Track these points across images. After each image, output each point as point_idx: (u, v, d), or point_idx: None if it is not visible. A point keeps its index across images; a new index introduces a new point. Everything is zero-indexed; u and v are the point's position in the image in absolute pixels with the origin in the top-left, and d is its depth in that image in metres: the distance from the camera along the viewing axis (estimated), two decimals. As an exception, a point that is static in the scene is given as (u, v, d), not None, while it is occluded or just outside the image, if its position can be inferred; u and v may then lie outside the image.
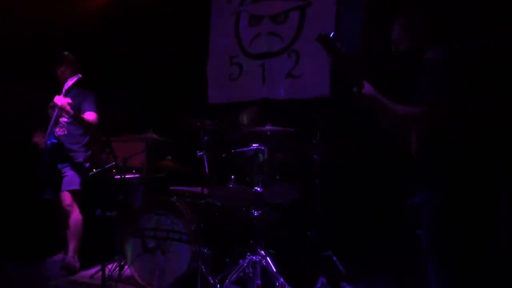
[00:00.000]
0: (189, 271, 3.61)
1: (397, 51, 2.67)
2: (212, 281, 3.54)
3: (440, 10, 2.97)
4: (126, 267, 4.01)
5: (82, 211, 4.42)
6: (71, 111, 4.22)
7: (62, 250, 4.52)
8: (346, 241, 4.12)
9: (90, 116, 4.44)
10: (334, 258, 3.89)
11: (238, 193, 3.84)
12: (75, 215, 4.36)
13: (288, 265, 3.62)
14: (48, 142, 4.30)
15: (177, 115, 3.92)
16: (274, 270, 3.46)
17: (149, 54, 5.62)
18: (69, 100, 4.22)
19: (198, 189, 4.01)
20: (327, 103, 4.50)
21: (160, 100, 5.54)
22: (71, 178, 4.37)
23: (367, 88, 2.37)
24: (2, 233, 4.80)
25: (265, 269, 3.47)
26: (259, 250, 3.55)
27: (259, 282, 3.42)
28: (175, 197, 3.99)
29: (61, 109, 4.17)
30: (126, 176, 4.33)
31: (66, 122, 4.41)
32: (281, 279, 3.41)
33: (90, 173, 4.34)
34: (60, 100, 4.15)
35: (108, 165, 4.13)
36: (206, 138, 3.98)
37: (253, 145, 3.86)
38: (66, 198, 4.34)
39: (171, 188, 4.39)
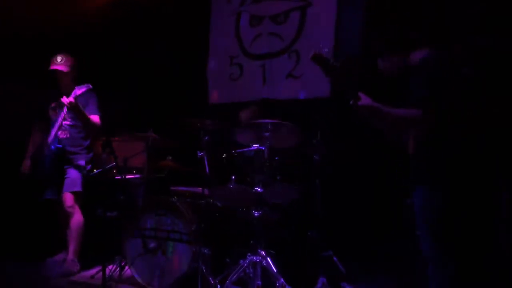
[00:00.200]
0: (189, 271, 3.61)
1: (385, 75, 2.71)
2: (212, 282, 3.54)
3: (440, 10, 2.98)
4: (126, 267, 3.99)
5: (83, 211, 4.42)
6: (81, 109, 4.20)
7: (62, 250, 4.51)
8: (346, 241, 4.12)
9: (94, 119, 4.41)
10: (335, 258, 3.90)
11: (239, 193, 3.84)
12: (77, 217, 4.35)
13: (288, 265, 3.63)
14: (53, 147, 4.28)
15: (178, 115, 3.92)
16: (275, 270, 3.46)
17: (149, 54, 5.62)
18: (72, 99, 4.16)
19: (199, 189, 4.02)
20: (327, 103, 4.51)
21: (160, 100, 5.54)
22: (73, 180, 4.36)
23: (364, 99, 2.39)
24: (3, 233, 4.80)
25: (266, 269, 3.47)
26: (259, 250, 3.55)
27: (259, 282, 3.42)
28: (175, 197, 3.99)
29: (72, 107, 4.12)
30: (127, 176, 4.34)
31: (68, 124, 4.40)
32: (282, 280, 3.41)
33: (91, 174, 4.34)
34: (67, 99, 4.10)
35: (109, 166, 4.13)
36: (206, 138, 3.98)
37: (254, 145, 3.86)
38: (68, 199, 4.33)
39: (172, 188, 4.39)
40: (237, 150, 4.02)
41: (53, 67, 4.35)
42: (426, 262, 2.42)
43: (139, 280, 3.84)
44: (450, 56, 2.59)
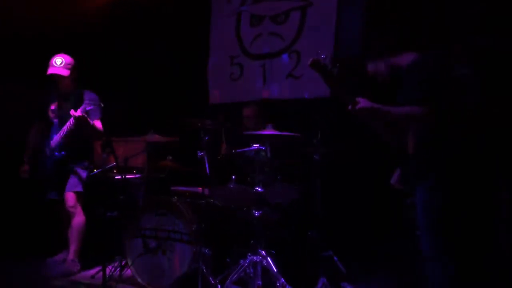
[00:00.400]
0: (190, 271, 3.61)
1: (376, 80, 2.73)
2: (213, 281, 3.55)
3: (440, 10, 2.98)
4: (127, 267, 4.00)
5: (84, 211, 4.42)
6: (91, 122, 4.17)
7: (63, 250, 4.51)
8: (346, 241, 4.12)
9: (98, 124, 4.36)
10: (335, 258, 3.90)
11: (239, 193, 3.84)
12: (78, 217, 4.34)
13: (289, 265, 3.63)
14: (57, 153, 4.28)
15: (178, 115, 3.92)
16: (275, 270, 3.46)
17: (149, 54, 5.62)
18: (84, 114, 4.07)
19: (199, 189, 4.02)
20: (328, 103, 4.50)
21: (160, 100, 5.54)
22: (75, 180, 4.35)
23: (362, 102, 2.40)
24: (3, 233, 4.80)
25: (266, 269, 3.48)
26: (259, 250, 3.55)
27: (260, 282, 3.43)
28: (175, 197, 3.99)
29: (81, 121, 4.06)
30: (127, 176, 4.34)
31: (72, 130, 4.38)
32: (282, 279, 3.41)
33: (91, 173, 4.34)
34: (77, 113, 4.02)
35: (109, 166, 4.14)
36: (206, 138, 3.98)
37: (254, 145, 3.87)
38: (70, 199, 4.32)
39: (172, 188, 4.39)
40: (237, 150, 4.02)
41: (53, 71, 4.22)
42: (425, 262, 2.42)
43: (140, 280, 3.84)
44: (441, 57, 2.59)
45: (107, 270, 3.81)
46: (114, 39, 5.62)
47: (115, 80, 5.38)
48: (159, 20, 5.61)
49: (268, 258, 3.52)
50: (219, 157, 4.13)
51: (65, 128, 4.17)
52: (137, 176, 4.48)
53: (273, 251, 3.64)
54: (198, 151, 3.98)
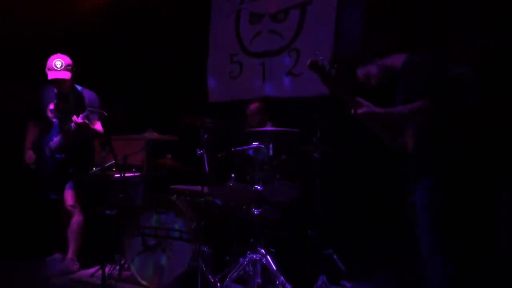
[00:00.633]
0: (189, 270, 3.61)
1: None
2: (212, 280, 3.54)
3: (440, 10, 2.98)
4: (126, 265, 4.00)
5: (83, 210, 4.42)
6: (91, 128, 4.16)
7: (63, 249, 4.51)
8: (346, 240, 4.12)
9: (98, 127, 4.36)
10: (335, 257, 3.91)
11: (238, 191, 3.85)
12: (77, 216, 4.33)
13: (288, 264, 3.64)
14: (57, 156, 4.28)
15: (177, 114, 3.92)
16: (274, 268, 3.46)
17: (149, 53, 5.63)
18: (86, 120, 4.04)
19: (198, 187, 4.02)
20: (327, 101, 4.50)
21: (160, 99, 5.55)
22: (75, 180, 4.35)
23: (363, 105, 2.41)
24: (2, 233, 4.80)
25: (266, 267, 3.48)
26: (259, 248, 3.56)
27: (259, 280, 3.43)
28: (175, 195, 3.99)
29: (82, 127, 4.04)
30: (126, 175, 4.34)
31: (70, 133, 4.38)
32: (282, 278, 3.42)
33: (90, 172, 4.34)
34: (79, 119, 3.99)
35: (108, 164, 4.13)
36: (206, 136, 3.98)
37: (253, 143, 3.87)
38: (70, 198, 4.32)
39: (171, 186, 4.39)
40: (237, 148, 4.03)
41: (56, 75, 4.16)
42: (425, 262, 2.43)
43: (139, 278, 3.84)
44: (439, 57, 2.60)
45: (107, 269, 3.80)
46: (114, 39, 5.62)
47: (115, 79, 5.38)
48: (159, 20, 5.61)
49: (268, 257, 3.52)
50: (218, 155, 4.13)
51: (65, 131, 4.17)
52: (136, 174, 4.47)
53: (272, 250, 3.64)
54: (198, 149, 3.98)
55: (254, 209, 3.68)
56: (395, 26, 3.06)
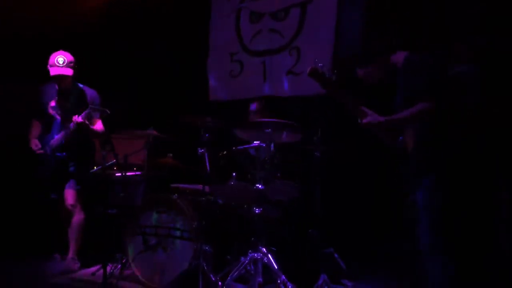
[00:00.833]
0: (190, 269, 3.60)
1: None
2: (213, 279, 3.54)
3: (440, 10, 2.99)
4: (127, 264, 4.00)
5: (83, 208, 4.43)
6: (91, 129, 4.20)
7: (62, 249, 4.52)
8: (347, 238, 4.13)
9: (99, 125, 4.40)
10: (336, 255, 3.91)
11: (239, 190, 3.85)
12: (78, 215, 4.34)
13: (289, 263, 3.64)
14: (58, 154, 4.28)
15: (178, 113, 3.93)
16: (276, 267, 3.45)
17: (149, 53, 5.63)
18: (86, 120, 4.10)
19: (199, 186, 4.03)
20: (328, 101, 4.50)
21: (160, 99, 5.54)
22: (75, 179, 4.36)
23: (368, 115, 2.43)
24: (3, 232, 4.81)
25: (267, 266, 3.47)
26: (260, 247, 3.54)
27: (260, 279, 3.41)
28: (176, 194, 3.98)
29: (81, 127, 4.09)
30: (127, 174, 4.35)
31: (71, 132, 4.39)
32: (283, 276, 3.41)
33: (91, 171, 4.35)
34: (78, 118, 4.05)
35: (109, 163, 4.14)
36: (207, 135, 3.99)
37: (254, 142, 3.87)
38: (70, 197, 4.33)
39: (172, 185, 4.39)
40: (238, 147, 4.03)
41: (58, 72, 4.20)
42: (425, 262, 2.44)
43: (140, 277, 3.84)
44: (439, 56, 2.61)
45: (108, 268, 3.82)
46: (114, 39, 5.62)
47: (115, 79, 5.38)
48: (159, 20, 5.61)
49: (269, 255, 3.51)
50: (219, 154, 4.13)
51: (66, 130, 4.19)
52: (137, 173, 4.47)
53: (273, 248, 3.63)
54: (199, 148, 3.99)
55: (255, 208, 3.66)
56: (395, 26, 3.07)
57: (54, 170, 4.31)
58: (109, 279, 3.69)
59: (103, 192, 4.41)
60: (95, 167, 4.37)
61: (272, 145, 3.82)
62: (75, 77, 4.39)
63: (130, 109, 5.45)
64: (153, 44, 5.63)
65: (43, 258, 4.50)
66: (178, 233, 3.76)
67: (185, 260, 3.66)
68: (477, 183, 2.39)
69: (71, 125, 4.10)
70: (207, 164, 4.01)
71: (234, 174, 3.84)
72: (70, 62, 4.26)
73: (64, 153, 4.30)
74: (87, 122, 4.08)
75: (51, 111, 4.38)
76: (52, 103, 4.39)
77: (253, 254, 3.52)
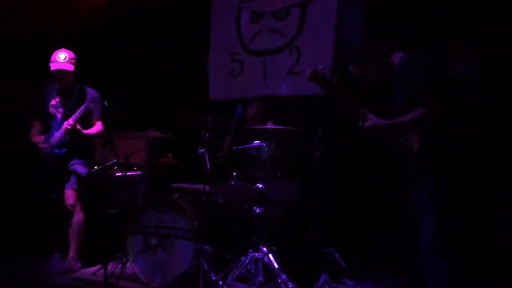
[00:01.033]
0: (191, 268, 3.62)
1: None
2: (214, 278, 3.55)
3: (440, 10, 2.99)
4: (128, 264, 4.00)
5: (84, 208, 4.43)
6: (83, 134, 4.22)
7: (63, 248, 4.53)
8: (347, 238, 4.13)
9: (98, 127, 4.41)
10: (336, 255, 3.91)
11: (240, 190, 3.86)
12: (78, 215, 4.36)
13: (290, 262, 3.64)
14: (57, 150, 4.29)
15: (178, 113, 3.94)
16: (276, 266, 3.47)
17: (149, 53, 5.63)
18: (79, 127, 4.16)
19: (200, 186, 4.04)
20: (328, 101, 4.49)
21: (161, 98, 5.55)
22: (76, 178, 4.36)
23: (370, 119, 2.44)
24: (3, 232, 4.82)
25: (267, 265, 3.49)
26: (261, 247, 3.56)
27: (261, 278, 3.44)
28: (176, 194, 3.99)
29: (73, 131, 4.14)
30: (128, 174, 4.36)
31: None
32: (284, 276, 3.42)
33: (92, 171, 4.35)
34: (69, 124, 4.10)
35: (110, 163, 4.15)
36: (207, 135, 4.00)
37: (255, 142, 3.88)
38: (70, 197, 4.33)
39: (173, 185, 4.38)
40: (238, 147, 4.03)
41: (59, 66, 4.26)
42: (425, 261, 2.45)
43: (141, 277, 3.84)
44: (438, 56, 2.62)
45: (109, 267, 3.83)
46: (114, 38, 5.62)
47: (116, 79, 5.38)
48: (159, 20, 5.61)
49: (270, 255, 3.52)
50: (220, 154, 4.14)
51: (63, 126, 4.20)
52: (137, 173, 4.47)
53: (274, 248, 3.64)
54: (199, 148, 4.00)
55: (256, 208, 3.69)
56: (395, 26, 3.07)
57: (54, 169, 4.31)
58: (110, 279, 3.69)
59: (104, 192, 4.41)
60: (95, 167, 4.37)
61: (273, 144, 3.83)
62: (77, 76, 4.41)
63: (130, 109, 5.46)
64: (153, 44, 5.63)
65: (43, 258, 4.50)
66: (178, 232, 3.75)
67: (185, 260, 3.66)
68: (477, 183, 2.39)
69: (62, 129, 4.16)
70: (208, 163, 4.02)
71: (234, 173, 3.84)
72: (72, 59, 4.32)
73: (64, 150, 4.30)
74: (78, 127, 4.12)
75: (51, 110, 4.40)
76: (53, 102, 4.41)
77: (253, 253, 3.55)
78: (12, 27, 4.89)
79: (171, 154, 4.43)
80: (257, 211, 3.68)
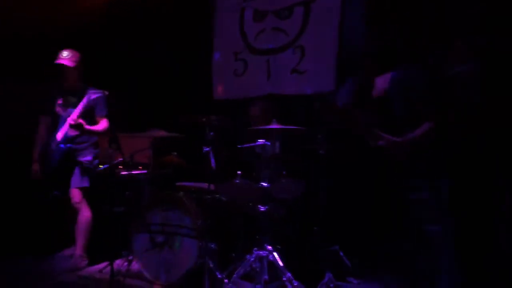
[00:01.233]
0: (196, 266, 3.66)
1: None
2: (219, 276, 3.59)
3: (440, 10, 3.00)
4: (134, 262, 4.06)
5: (90, 206, 4.48)
6: (86, 129, 4.28)
7: (70, 246, 4.59)
8: (351, 237, 4.15)
9: (103, 124, 4.47)
10: (341, 253, 3.93)
11: (245, 188, 3.85)
12: (84, 212, 4.41)
13: (294, 260, 3.67)
14: (62, 145, 4.33)
15: (183, 112, 3.96)
16: (281, 264, 3.50)
17: (150, 53, 5.63)
18: (82, 121, 4.22)
19: (205, 184, 4.07)
20: (331, 99, 4.48)
21: (165, 98, 5.55)
22: (80, 176, 4.42)
23: (382, 137, 2.48)
24: (10, 230, 4.86)
25: (272, 264, 3.51)
26: (265, 245, 3.58)
27: (266, 276, 3.46)
28: (181, 192, 4.03)
29: (76, 127, 4.21)
30: (133, 172, 4.39)
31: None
32: (288, 274, 3.45)
33: (98, 169, 4.39)
34: (73, 119, 4.17)
35: (116, 161, 4.19)
36: (212, 134, 4.03)
37: (259, 140, 3.90)
38: (76, 195, 4.39)
39: (177, 184, 4.40)
40: (243, 145, 4.04)
41: (59, 61, 4.38)
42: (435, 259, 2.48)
43: (147, 274, 3.88)
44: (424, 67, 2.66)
45: (115, 265, 3.87)
46: (114, 38, 5.62)
47: (118, 79, 5.37)
48: (159, 20, 5.60)
49: (274, 253, 3.55)
50: (224, 153, 4.16)
51: (66, 126, 4.27)
52: (142, 172, 4.49)
53: (279, 246, 3.66)
54: (204, 147, 4.03)
55: (260, 206, 3.70)
56: (395, 26, 3.07)
57: (59, 163, 4.37)
58: (116, 276, 3.74)
59: (110, 190, 4.45)
60: (101, 166, 4.41)
61: (277, 143, 3.85)
62: (81, 77, 4.49)
63: (134, 108, 5.48)
64: (154, 44, 5.62)
65: (49, 256, 4.57)
66: (183, 231, 3.78)
67: (191, 258, 3.70)
68: (477, 183, 2.43)
69: (66, 125, 4.23)
70: (212, 162, 4.04)
71: (239, 172, 3.87)
72: (74, 57, 4.44)
73: (69, 145, 4.36)
74: (80, 121, 4.18)
75: (57, 109, 4.46)
76: (60, 101, 4.46)
77: (258, 251, 3.57)
78: (12, 27, 4.87)
79: (175, 153, 4.47)
80: (261, 209, 3.69)
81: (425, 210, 2.52)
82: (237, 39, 5.36)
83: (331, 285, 3.60)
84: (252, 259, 3.57)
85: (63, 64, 4.37)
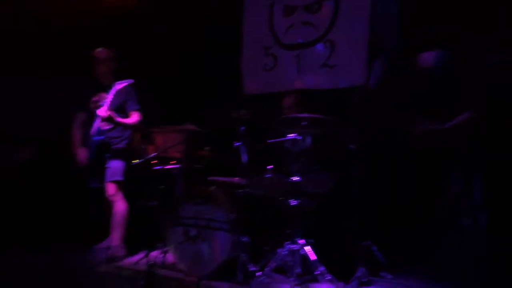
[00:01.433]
0: (229, 259, 3.71)
1: None
2: (252, 269, 3.63)
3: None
4: (168, 254, 4.13)
5: (125, 199, 4.57)
6: (118, 121, 4.42)
7: (108, 237, 4.69)
8: (385, 231, 4.09)
9: (134, 117, 4.58)
10: (374, 248, 3.89)
11: (276, 183, 3.86)
12: (120, 205, 4.52)
13: (327, 254, 3.65)
14: (95, 138, 4.45)
15: (215, 107, 4.00)
16: (314, 258, 3.50)
17: (183, 50, 5.67)
18: (113, 113, 4.36)
19: (236, 179, 4.10)
20: (361, 93, 4.43)
21: (198, 93, 5.58)
22: (114, 169, 4.53)
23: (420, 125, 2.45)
24: (49, 222, 5.01)
25: (304, 257, 3.52)
26: (297, 239, 3.59)
27: (299, 270, 3.45)
28: (214, 186, 4.08)
29: (107, 119, 4.35)
30: (166, 167, 4.47)
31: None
32: (322, 267, 3.46)
33: (133, 163, 4.48)
34: (103, 112, 4.30)
35: (150, 156, 4.27)
36: (242, 128, 4.04)
37: (290, 135, 3.90)
38: (110, 188, 4.51)
39: (210, 178, 4.43)
40: (274, 140, 4.05)
41: (94, 58, 4.57)
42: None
43: (181, 266, 3.96)
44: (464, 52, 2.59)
45: (150, 257, 3.96)
46: (146, 35, 5.70)
47: (150, 76, 5.43)
48: (190, 16, 5.65)
49: (307, 247, 3.55)
50: (256, 147, 4.17)
51: (98, 119, 4.39)
52: (176, 166, 4.54)
53: (311, 240, 3.65)
54: (235, 142, 4.05)
55: (292, 200, 3.70)
56: (435, 18, 2.98)
57: (94, 155, 4.49)
58: (151, 268, 3.81)
59: (144, 185, 4.54)
60: (137, 160, 4.49)
61: (309, 138, 3.83)
62: (114, 73, 4.59)
63: (167, 104, 5.54)
64: (186, 41, 5.67)
65: (88, 248, 4.67)
66: (216, 224, 3.82)
67: (224, 251, 3.74)
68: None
69: (99, 117, 4.35)
70: (243, 157, 4.07)
71: (270, 166, 3.88)
72: (105, 53, 4.62)
73: (102, 137, 4.48)
74: (110, 113, 4.33)
75: (93, 105, 4.54)
76: (94, 98, 4.56)
77: (290, 245, 3.57)
78: (52, 26, 5.09)
79: (208, 148, 4.52)
80: (293, 203, 3.69)
81: (458, 203, 2.48)
82: (266, 34, 5.34)
83: (364, 279, 3.58)
84: (284, 252, 3.58)
85: (97, 61, 4.54)
